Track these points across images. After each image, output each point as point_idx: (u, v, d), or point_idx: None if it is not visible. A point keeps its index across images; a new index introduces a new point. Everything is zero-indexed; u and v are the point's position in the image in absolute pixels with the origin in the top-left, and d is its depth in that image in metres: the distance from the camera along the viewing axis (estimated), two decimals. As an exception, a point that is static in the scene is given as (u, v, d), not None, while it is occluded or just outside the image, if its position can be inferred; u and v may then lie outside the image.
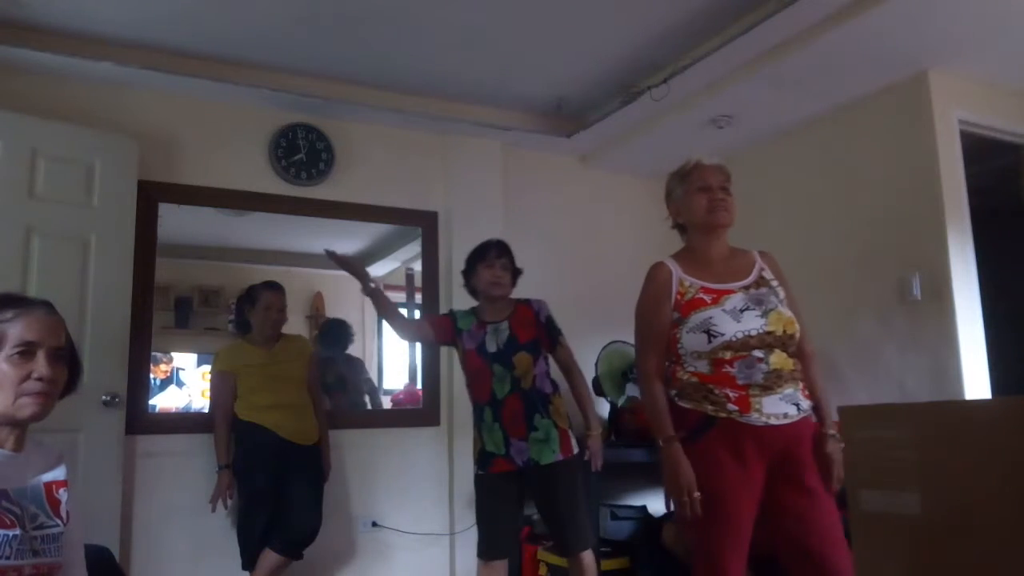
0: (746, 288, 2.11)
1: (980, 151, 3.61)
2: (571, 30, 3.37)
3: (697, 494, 1.98)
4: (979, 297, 3.37)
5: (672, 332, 2.11)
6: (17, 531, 1.35)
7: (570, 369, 2.95)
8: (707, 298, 2.08)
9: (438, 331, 3.00)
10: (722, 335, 2.01)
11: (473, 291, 3.01)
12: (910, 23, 3.06)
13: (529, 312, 2.93)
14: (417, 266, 4.25)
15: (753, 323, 2.03)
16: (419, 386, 4.14)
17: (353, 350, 4.49)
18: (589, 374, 4.13)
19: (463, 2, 3.13)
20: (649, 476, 4.36)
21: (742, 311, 2.05)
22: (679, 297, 2.11)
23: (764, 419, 1.98)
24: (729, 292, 2.09)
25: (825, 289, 3.68)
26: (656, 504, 4.27)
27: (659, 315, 2.13)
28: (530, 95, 4.06)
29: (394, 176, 4.12)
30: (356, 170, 4.02)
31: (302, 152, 3.87)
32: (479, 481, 2.89)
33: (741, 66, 3.48)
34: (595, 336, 4.19)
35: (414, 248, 4.26)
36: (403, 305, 4.65)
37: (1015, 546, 2.60)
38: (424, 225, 4.18)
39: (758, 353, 2.01)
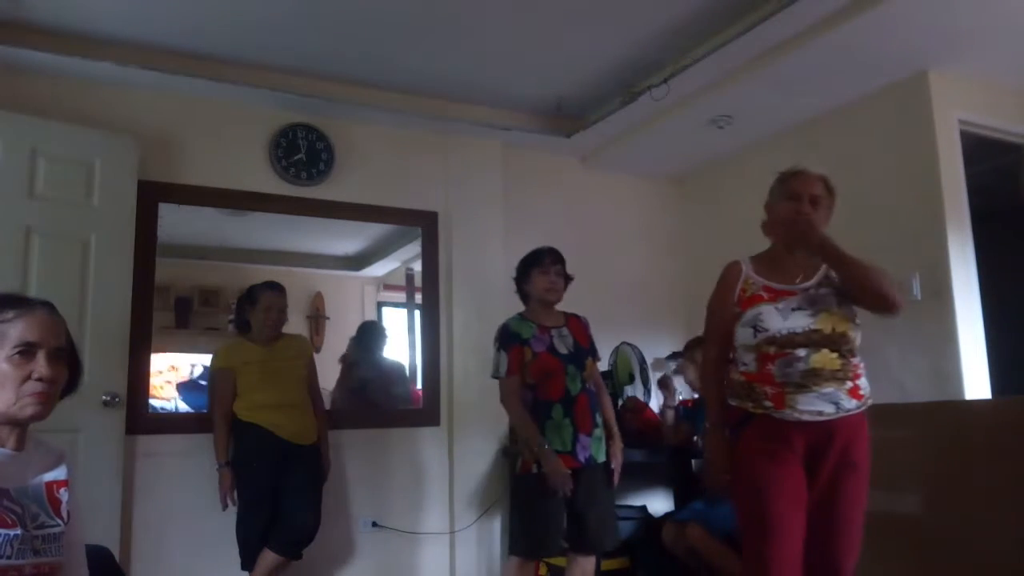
0: (807, 290, 2.14)
1: (980, 151, 3.61)
2: (571, 30, 3.37)
3: (727, 476, 2.13)
4: (979, 297, 3.37)
5: (732, 328, 2.18)
6: (18, 530, 1.35)
7: (599, 383, 3.07)
8: (765, 295, 2.14)
9: (520, 371, 2.92)
10: (766, 330, 2.08)
11: (524, 296, 3.05)
12: (910, 23, 3.06)
13: (580, 324, 3.06)
14: (417, 266, 4.25)
15: (800, 322, 2.07)
16: (419, 386, 4.14)
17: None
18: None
19: (463, 2, 3.13)
20: (649, 476, 4.36)
21: (793, 310, 2.09)
22: (741, 294, 2.18)
23: (797, 415, 2.02)
24: (790, 294, 2.13)
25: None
26: (656, 504, 4.27)
27: (724, 309, 2.21)
28: (530, 95, 4.06)
29: (394, 176, 4.12)
30: (356, 170, 4.02)
31: (302, 152, 3.87)
32: (539, 480, 2.82)
33: (741, 66, 3.49)
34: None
35: (414, 248, 4.26)
36: (403, 305, 4.66)
37: (1015, 546, 2.60)
38: (424, 225, 4.18)
39: (800, 352, 2.05)
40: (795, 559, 1.99)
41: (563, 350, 2.92)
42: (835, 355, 2.05)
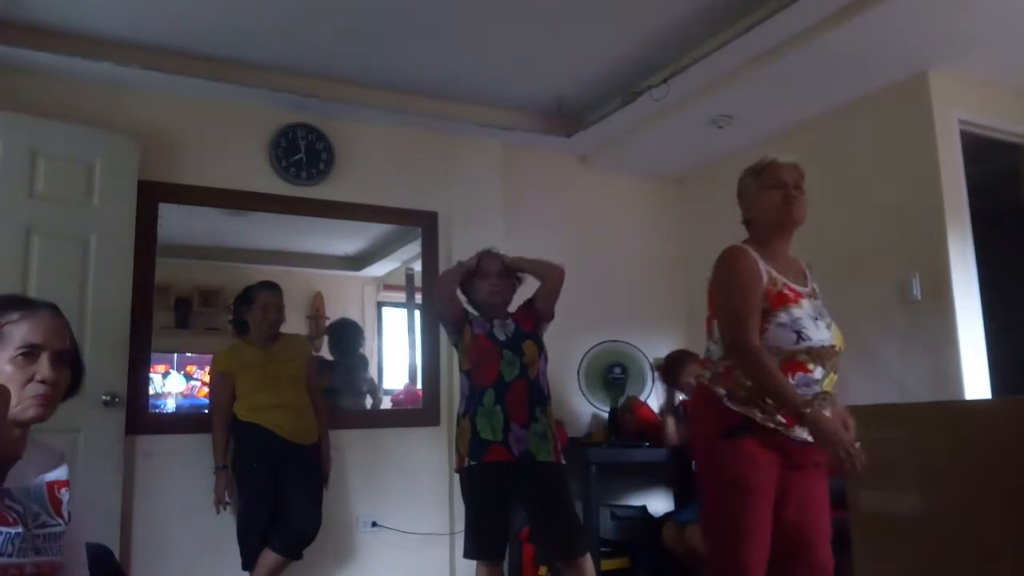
0: (809, 296, 2.11)
1: (980, 151, 3.62)
2: (571, 30, 3.37)
3: (858, 443, 1.92)
4: (979, 297, 3.37)
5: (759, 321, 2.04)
6: (19, 529, 1.35)
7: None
8: (791, 295, 2.07)
9: (457, 309, 2.99)
10: (809, 339, 2.02)
11: (477, 306, 3.02)
12: (910, 23, 3.06)
13: (526, 312, 3.00)
14: (417, 266, 4.25)
15: (824, 334, 2.05)
16: (419, 386, 4.14)
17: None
18: (573, 377, 4.15)
19: (463, 2, 3.13)
20: (649, 476, 4.36)
21: (815, 320, 2.05)
22: (770, 287, 2.06)
23: (804, 436, 2.00)
24: (803, 296, 2.09)
25: (825, 289, 3.67)
26: (656, 504, 4.27)
27: (755, 293, 2.04)
28: (530, 95, 4.06)
29: (394, 176, 4.12)
30: (356, 170, 4.02)
31: (302, 152, 3.87)
32: (469, 473, 2.82)
33: (741, 66, 3.49)
34: (595, 337, 4.20)
35: (414, 248, 4.26)
36: (403, 305, 4.65)
37: (1015, 545, 2.60)
38: (424, 225, 4.18)
39: (817, 373, 2.02)
40: (763, 569, 2.01)
41: (501, 336, 2.89)
42: (835, 377, 2.05)
